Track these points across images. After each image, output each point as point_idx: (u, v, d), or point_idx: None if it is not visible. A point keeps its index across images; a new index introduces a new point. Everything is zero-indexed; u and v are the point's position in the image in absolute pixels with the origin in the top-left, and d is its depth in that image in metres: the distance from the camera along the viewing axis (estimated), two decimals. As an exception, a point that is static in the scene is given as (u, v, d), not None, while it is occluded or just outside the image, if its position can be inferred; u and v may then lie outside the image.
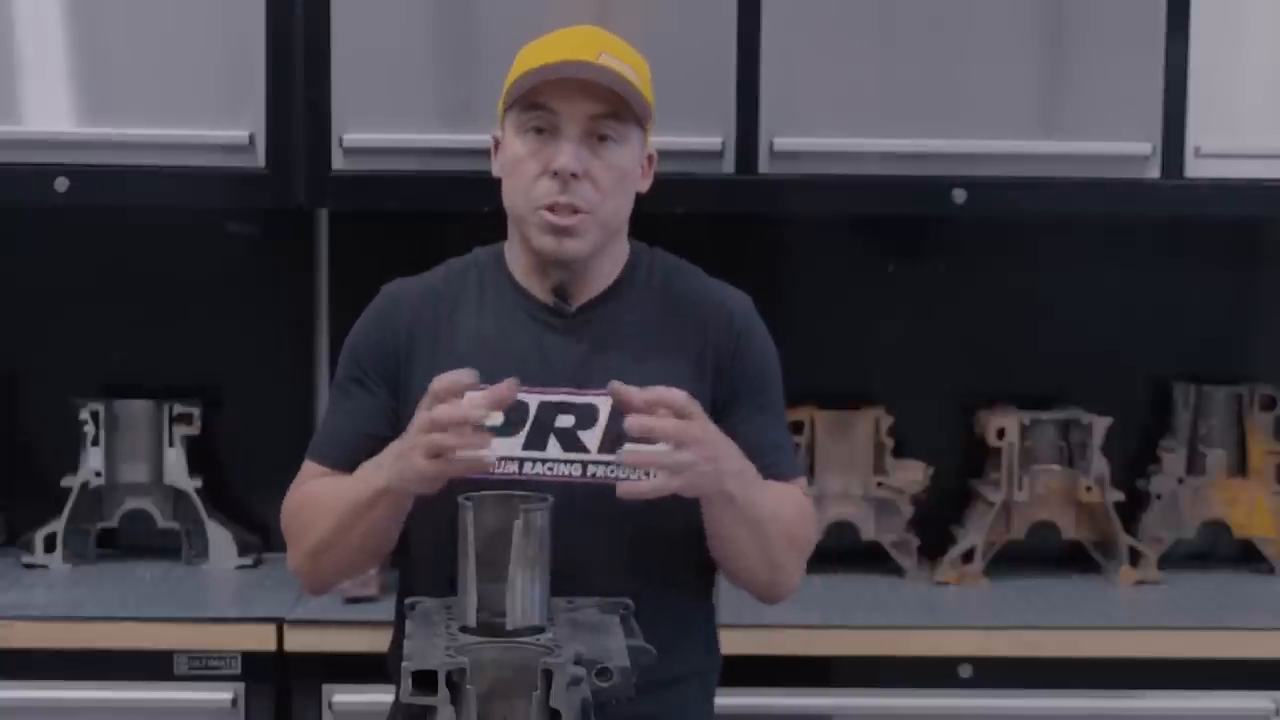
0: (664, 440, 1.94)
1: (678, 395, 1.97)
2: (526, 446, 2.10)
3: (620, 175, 2.12)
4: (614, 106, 2.10)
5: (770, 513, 2.08)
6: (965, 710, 2.77)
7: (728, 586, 2.22)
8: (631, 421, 1.95)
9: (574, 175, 2.08)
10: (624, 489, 1.97)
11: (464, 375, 1.94)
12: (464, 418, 1.92)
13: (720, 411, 2.14)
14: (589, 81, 2.08)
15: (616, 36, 2.17)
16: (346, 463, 2.13)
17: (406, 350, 2.16)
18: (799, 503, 2.18)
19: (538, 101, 2.10)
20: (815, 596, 2.91)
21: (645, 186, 2.19)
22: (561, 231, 2.10)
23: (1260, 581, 3.14)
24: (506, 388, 1.95)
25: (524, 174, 2.11)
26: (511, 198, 2.15)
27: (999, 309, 3.27)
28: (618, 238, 2.19)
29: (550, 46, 2.13)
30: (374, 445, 2.10)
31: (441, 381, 1.94)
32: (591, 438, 2.09)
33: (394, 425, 2.12)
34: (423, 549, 2.14)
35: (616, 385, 1.98)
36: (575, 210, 2.09)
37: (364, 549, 2.10)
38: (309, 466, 2.19)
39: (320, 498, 2.12)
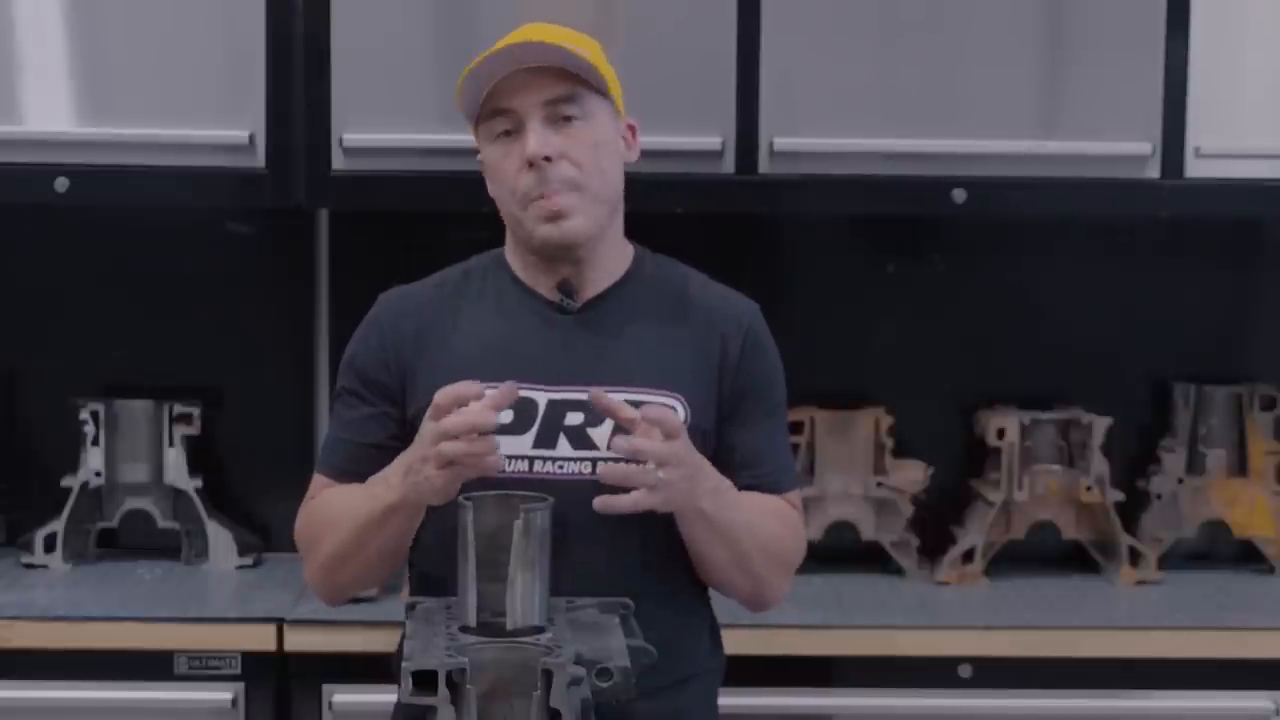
0: (650, 461, 1.96)
1: (671, 419, 1.97)
2: (536, 445, 2.09)
3: (594, 146, 2.10)
4: (567, 85, 2.08)
5: (746, 529, 2.09)
6: (965, 710, 2.77)
7: (727, 586, 2.22)
8: (619, 442, 1.96)
9: (547, 159, 2.07)
10: (600, 503, 1.98)
11: (467, 386, 1.94)
12: (471, 425, 1.92)
13: (724, 414, 2.15)
14: (538, 68, 2.06)
15: (558, 27, 2.15)
16: (350, 474, 2.14)
17: (413, 356, 2.15)
18: (786, 517, 2.18)
19: (494, 107, 2.09)
20: (815, 596, 2.91)
21: (634, 156, 2.18)
22: (557, 216, 2.09)
23: (1260, 581, 3.14)
24: (506, 391, 1.95)
25: (504, 175, 2.11)
26: (501, 202, 2.15)
27: (999, 309, 3.27)
28: (617, 226, 2.19)
29: (490, 53, 2.10)
30: (375, 455, 2.11)
31: (445, 395, 1.94)
32: (601, 435, 2.07)
33: (399, 433, 2.12)
34: (429, 551, 2.13)
35: (596, 393, 1.99)
36: (564, 189, 2.08)
37: (381, 560, 2.10)
38: (317, 479, 2.20)
39: (329, 512, 2.12)
